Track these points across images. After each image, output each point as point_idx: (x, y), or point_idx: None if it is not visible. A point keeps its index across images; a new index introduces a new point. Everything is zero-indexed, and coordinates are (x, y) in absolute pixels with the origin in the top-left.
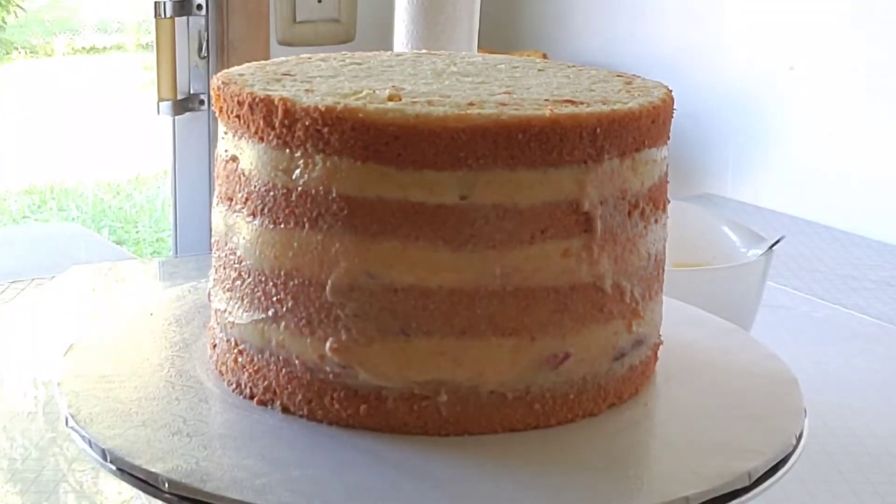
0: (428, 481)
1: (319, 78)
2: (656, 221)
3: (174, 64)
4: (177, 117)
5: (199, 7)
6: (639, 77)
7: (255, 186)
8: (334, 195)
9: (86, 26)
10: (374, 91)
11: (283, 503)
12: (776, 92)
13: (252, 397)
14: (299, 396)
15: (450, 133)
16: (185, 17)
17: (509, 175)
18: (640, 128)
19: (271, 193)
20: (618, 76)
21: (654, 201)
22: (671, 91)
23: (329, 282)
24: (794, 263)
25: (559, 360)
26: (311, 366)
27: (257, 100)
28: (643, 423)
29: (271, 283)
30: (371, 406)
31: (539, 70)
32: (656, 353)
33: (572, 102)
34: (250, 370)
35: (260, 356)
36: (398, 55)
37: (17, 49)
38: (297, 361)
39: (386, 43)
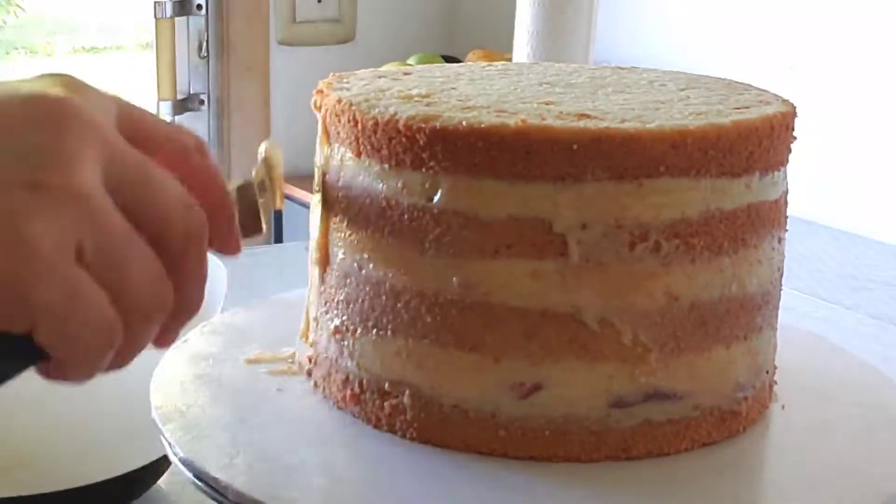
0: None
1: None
2: (693, 261)
3: (174, 64)
4: (177, 117)
5: (199, 7)
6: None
7: None
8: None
9: (86, 26)
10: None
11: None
12: (776, 92)
13: None
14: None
15: (413, 133)
16: (185, 17)
17: (471, 182)
18: (644, 151)
19: None
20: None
21: (680, 237)
22: (735, 121)
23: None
24: (794, 263)
25: (528, 389)
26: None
27: None
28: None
29: None
30: (353, 393)
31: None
32: (706, 415)
33: (587, 116)
34: None
35: None
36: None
37: (17, 49)
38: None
39: (386, 43)
